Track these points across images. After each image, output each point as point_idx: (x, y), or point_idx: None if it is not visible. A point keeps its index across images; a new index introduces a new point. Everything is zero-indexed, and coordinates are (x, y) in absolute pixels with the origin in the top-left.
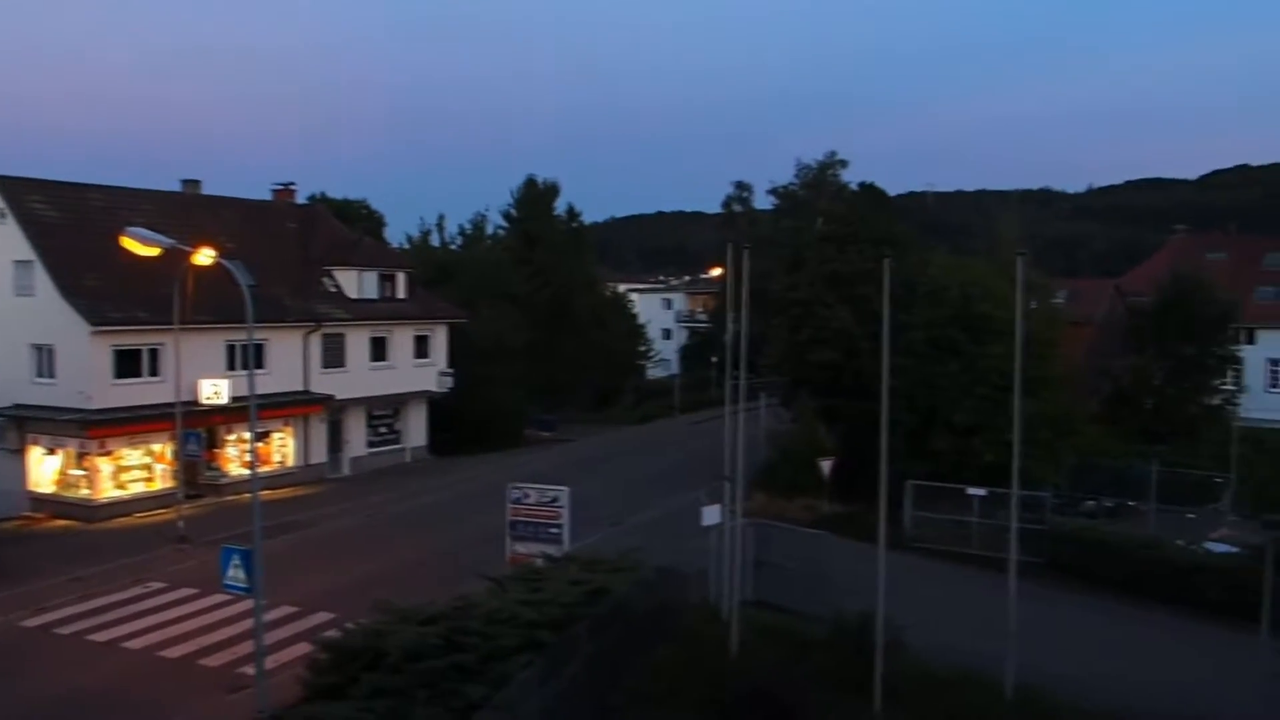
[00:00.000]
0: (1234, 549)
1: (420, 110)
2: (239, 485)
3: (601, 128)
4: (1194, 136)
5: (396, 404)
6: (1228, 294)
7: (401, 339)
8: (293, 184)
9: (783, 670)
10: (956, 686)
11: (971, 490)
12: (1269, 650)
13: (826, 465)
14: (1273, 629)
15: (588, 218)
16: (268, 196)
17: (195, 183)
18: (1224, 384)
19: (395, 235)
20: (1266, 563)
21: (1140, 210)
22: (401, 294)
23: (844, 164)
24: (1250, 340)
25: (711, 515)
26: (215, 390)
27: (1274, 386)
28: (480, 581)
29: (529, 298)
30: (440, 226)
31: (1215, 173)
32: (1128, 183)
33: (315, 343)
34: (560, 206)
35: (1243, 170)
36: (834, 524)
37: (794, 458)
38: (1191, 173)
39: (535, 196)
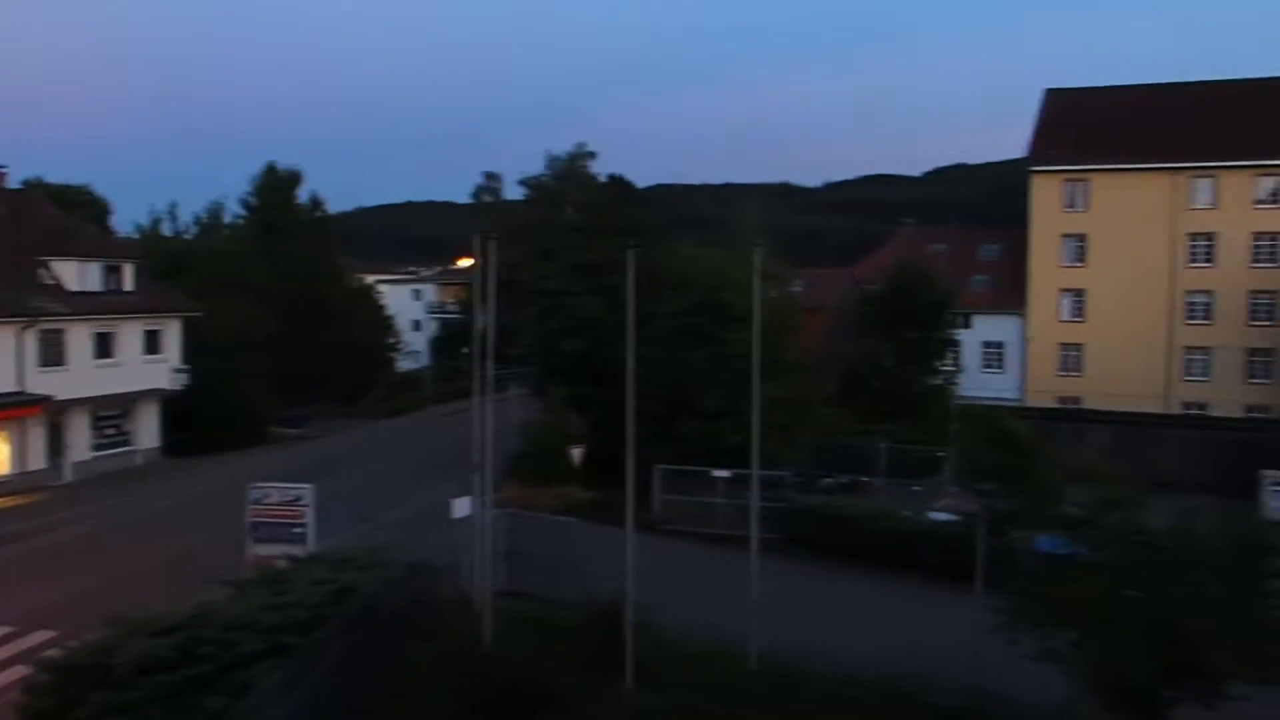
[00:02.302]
0: (954, 517)
1: (152, 93)
2: None
3: (348, 116)
4: (919, 136)
5: (125, 404)
6: (947, 282)
7: (129, 334)
8: (3, 166)
9: (537, 657)
10: (705, 661)
11: (716, 472)
12: (982, 607)
13: (577, 453)
14: (986, 588)
15: (334, 207)
16: None
17: None
18: (944, 365)
19: (123, 224)
20: (979, 527)
21: (872, 204)
22: (129, 286)
23: (593, 156)
24: (967, 325)
25: (462, 507)
26: None
27: (988, 367)
28: (220, 588)
29: (271, 290)
30: (173, 215)
31: (937, 170)
32: (860, 178)
33: (30, 339)
34: (303, 195)
35: (961, 168)
36: (585, 510)
37: (545, 447)
38: (917, 169)
39: (276, 184)
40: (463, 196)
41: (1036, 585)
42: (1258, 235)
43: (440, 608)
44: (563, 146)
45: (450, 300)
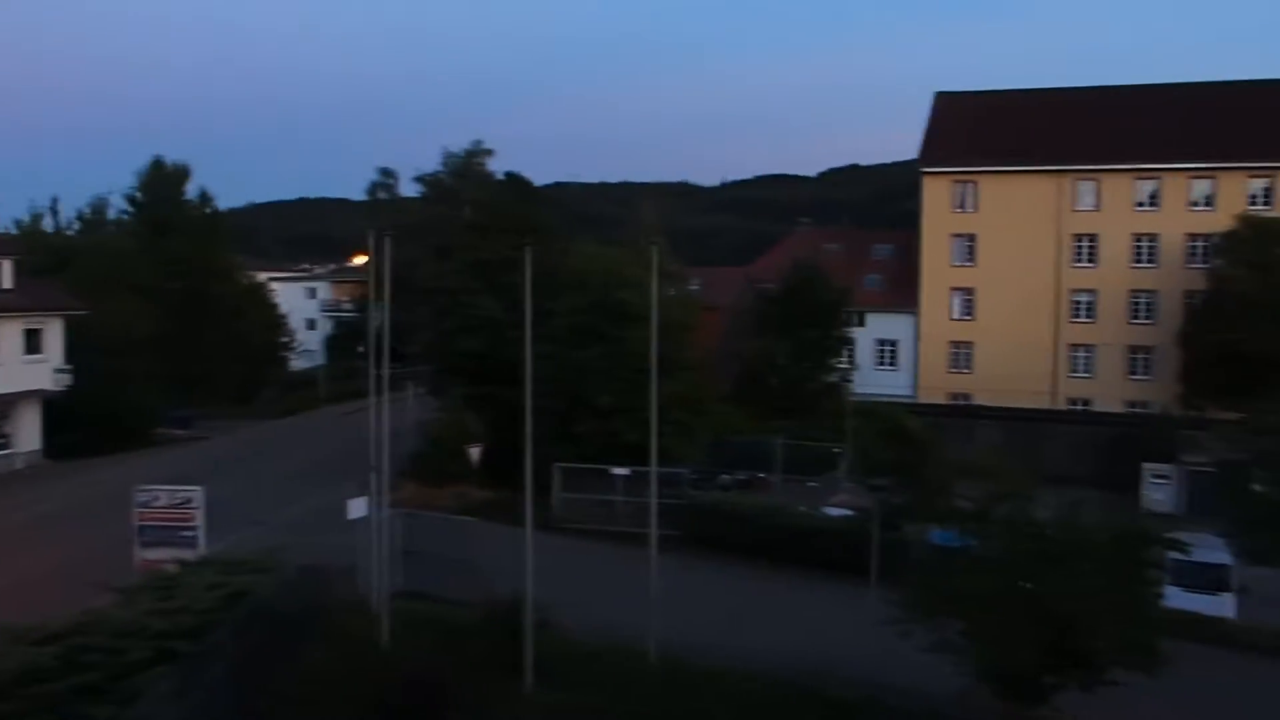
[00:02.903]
0: (849, 512)
1: (31, 83)
2: None
3: (240, 110)
4: (814, 137)
5: (4, 405)
6: (842, 281)
7: (8, 333)
8: None
9: (435, 659)
10: (604, 658)
11: (615, 470)
12: (878, 600)
13: (475, 452)
14: (881, 582)
15: (225, 203)
16: None
17: None
18: (839, 363)
19: (1, 219)
20: (874, 522)
21: (769, 204)
22: (7, 284)
23: (490, 153)
24: (861, 323)
25: (357, 508)
26: None
27: (881, 365)
28: (107, 594)
29: (160, 288)
30: (54, 211)
31: (832, 170)
32: (757, 178)
33: None
34: (192, 191)
35: (854, 169)
36: (484, 510)
37: (443, 446)
38: (812, 170)
39: (163, 179)
40: (358, 193)
41: (929, 578)
42: (1137, 236)
43: (336, 610)
44: (460, 144)
45: (345, 298)
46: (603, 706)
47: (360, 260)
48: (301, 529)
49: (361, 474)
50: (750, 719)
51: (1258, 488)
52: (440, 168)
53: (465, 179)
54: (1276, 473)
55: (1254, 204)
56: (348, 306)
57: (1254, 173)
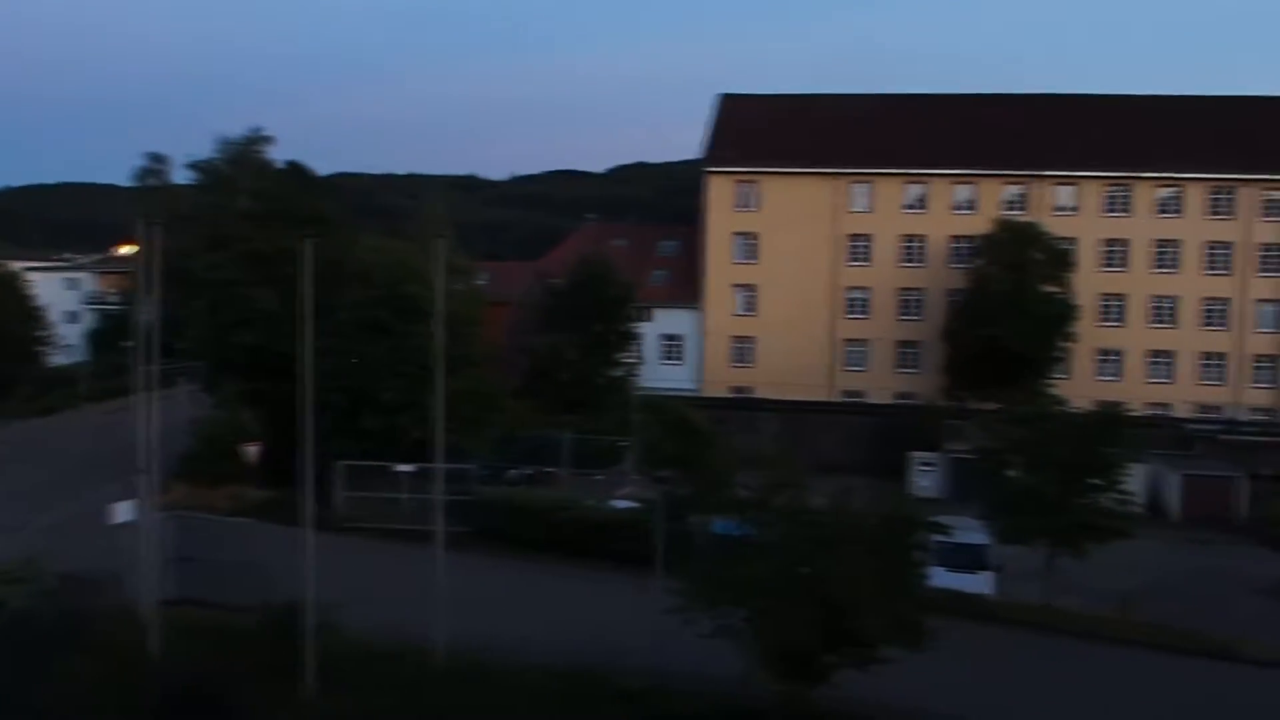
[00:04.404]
0: (636, 504)
1: None
2: None
3: None
4: (603, 133)
5: None
6: (628, 277)
7: None
8: None
9: (209, 667)
10: (390, 659)
11: (400, 467)
12: (662, 589)
13: (252, 451)
14: (666, 572)
15: None
16: None
17: None
18: (626, 358)
19: None
20: (658, 514)
21: (557, 199)
22: None
23: (269, 140)
24: (648, 318)
25: (123, 512)
26: None
27: (667, 359)
28: None
29: None
30: None
31: (620, 167)
32: (546, 173)
33: None
34: None
35: (641, 166)
36: (262, 511)
37: (217, 445)
38: (600, 166)
39: None
40: (125, 179)
41: (711, 566)
42: (906, 238)
43: (101, 620)
44: (237, 130)
45: (111, 290)
46: (388, 708)
47: (128, 250)
48: (61, 535)
49: (127, 476)
50: (539, 712)
51: (1012, 473)
52: (216, 154)
53: (242, 167)
54: (1029, 459)
55: (1010, 209)
56: (113, 299)
57: (1009, 179)
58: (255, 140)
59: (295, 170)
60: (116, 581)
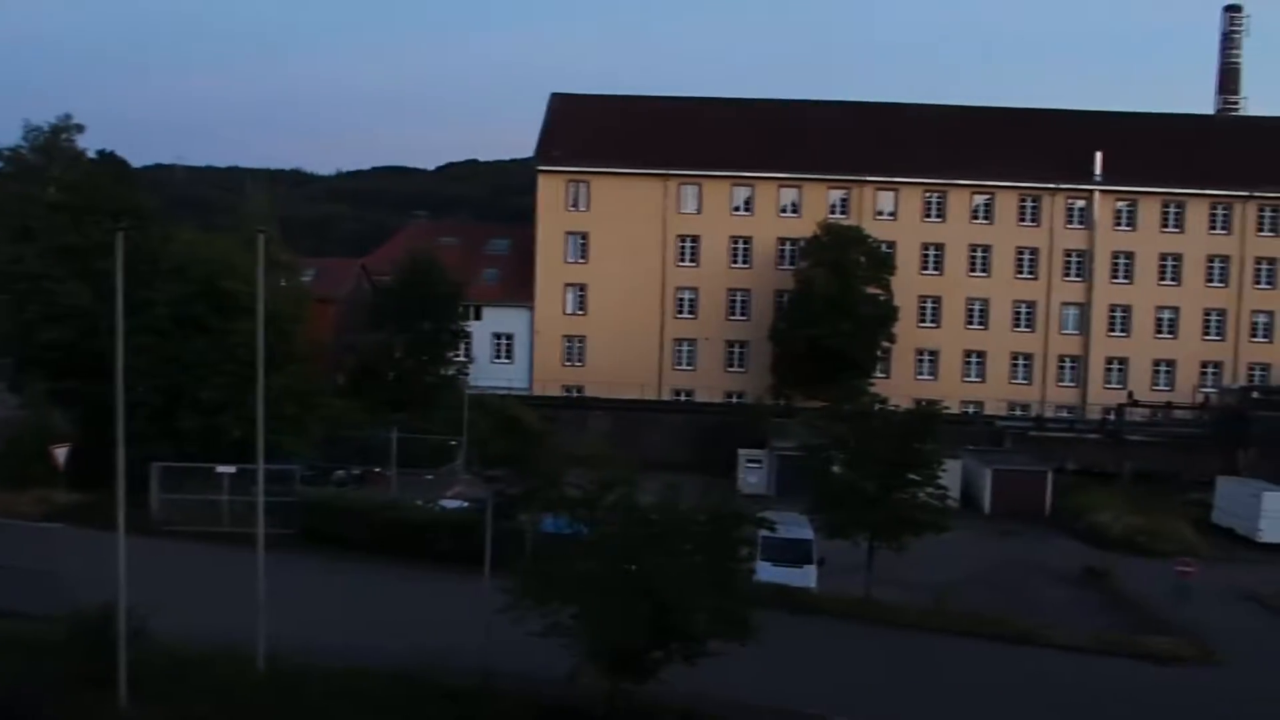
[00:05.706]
0: (465, 503)
1: None
2: None
3: None
4: (432, 130)
5: None
6: (458, 275)
7: None
8: None
9: (12, 680)
10: (207, 666)
11: (220, 468)
12: (492, 589)
13: (61, 453)
14: (495, 570)
15: None
16: None
17: None
18: (455, 356)
19: None
20: (487, 513)
21: (386, 195)
22: None
23: (80, 129)
24: (478, 316)
25: None
26: None
27: (498, 358)
28: None
29: None
30: None
31: (450, 164)
32: (373, 169)
33: None
34: None
35: (472, 164)
36: (72, 515)
37: (23, 447)
38: (429, 163)
39: None
40: None
41: (540, 564)
42: (734, 239)
43: None
44: (45, 117)
45: None
46: (203, 717)
47: None
48: None
49: None
50: (365, 716)
51: (835, 469)
52: (22, 142)
53: (51, 156)
54: (851, 456)
55: (834, 212)
56: None
57: (833, 184)
58: (64, 129)
59: (108, 161)
60: None
